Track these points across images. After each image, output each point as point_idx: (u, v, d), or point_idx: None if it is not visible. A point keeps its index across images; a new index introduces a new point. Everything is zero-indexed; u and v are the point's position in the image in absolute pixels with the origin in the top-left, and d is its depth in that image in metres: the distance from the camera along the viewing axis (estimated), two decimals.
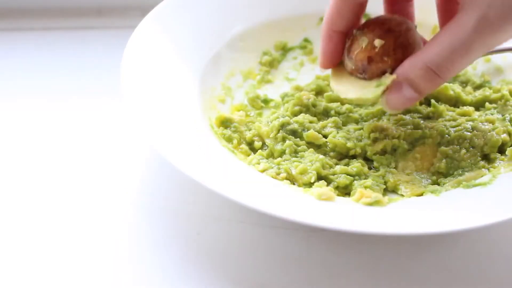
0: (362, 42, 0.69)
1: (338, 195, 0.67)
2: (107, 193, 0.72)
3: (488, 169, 0.69)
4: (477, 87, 0.81)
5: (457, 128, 0.73)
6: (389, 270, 0.65)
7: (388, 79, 0.66)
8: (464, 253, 0.66)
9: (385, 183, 0.69)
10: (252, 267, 0.65)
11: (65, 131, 0.81)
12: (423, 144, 0.72)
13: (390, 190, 0.69)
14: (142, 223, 0.69)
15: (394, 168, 0.71)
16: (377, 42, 0.68)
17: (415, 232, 0.59)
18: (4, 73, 0.90)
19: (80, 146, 0.78)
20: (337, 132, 0.73)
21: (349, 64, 0.70)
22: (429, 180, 0.70)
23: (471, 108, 0.77)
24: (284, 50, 0.89)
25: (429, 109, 0.76)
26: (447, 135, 0.72)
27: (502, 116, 0.75)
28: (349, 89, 0.70)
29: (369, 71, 0.68)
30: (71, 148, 0.78)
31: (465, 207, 0.63)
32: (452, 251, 0.66)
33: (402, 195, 0.68)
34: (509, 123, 0.73)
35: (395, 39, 0.68)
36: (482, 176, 0.68)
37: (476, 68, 0.84)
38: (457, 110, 0.77)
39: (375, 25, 0.69)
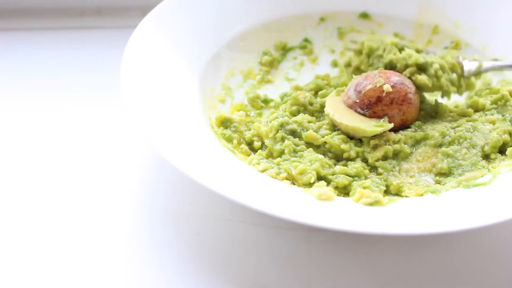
0: (378, 82, 0.72)
1: (337, 195, 0.67)
2: (107, 193, 0.72)
3: (488, 169, 0.69)
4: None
5: (458, 128, 0.73)
6: (388, 270, 0.65)
7: (389, 124, 0.71)
8: (464, 253, 0.66)
9: (388, 186, 0.69)
10: (252, 267, 0.65)
11: (65, 131, 0.81)
12: (424, 146, 0.72)
13: (393, 193, 0.69)
14: (142, 223, 0.69)
15: (397, 172, 0.71)
16: (390, 88, 0.72)
17: (415, 232, 0.59)
18: (4, 73, 0.90)
19: (80, 146, 0.78)
20: (331, 133, 0.73)
21: (352, 97, 0.73)
22: (433, 181, 0.70)
23: (470, 109, 0.77)
24: (284, 50, 0.88)
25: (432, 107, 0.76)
26: (448, 136, 0.72)
27: (503, 116, 0.75)
28: (347, 118, 0.73)
29: (371, 110, 0.72)
30: (71, 148, 0.78)
31: (465, 207, 0.63)
32: (452, 251, 0.66)
33: (407, 196, 0.68)
34: (509, 123, 0.73)
35: (406, 94, 0.72)
36: (482, 176, 0.68)
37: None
38: (458, 110, 0.77)
39: (393, 74, 0.74)
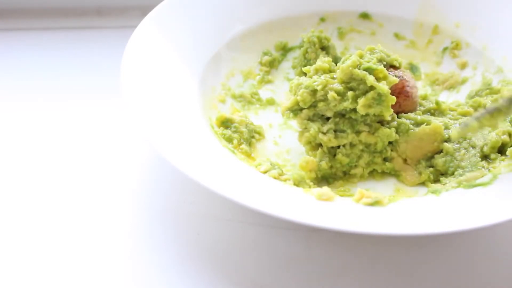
0: None
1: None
2: (107, 193, 0.72)
3: (489, 169, 0.69)
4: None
5: None
6: (389, 270, 0.65)
7: None
8: (464, 253, 0.66)
9: None
10: (252, 267, 0.65)
11: (65, 131, 0.80)
12: None
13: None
14: (142, 223, 0.69)
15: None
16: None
17: (415, 232, 0.59)
18: (4, 73, 0.90)
19: (80, 147, 0.78)
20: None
21: None
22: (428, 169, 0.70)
23: (471, 108, 0.77)
24: (284, 50, 0.88)
25: (432, 105, 0.76)
26: (447, 135, 0.72)
27: None
28: None
29: None
30: (71, 148, 0.78)
31: (465, 207, 0.63)
32: (452, 251, 0.66)
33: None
34: (509, 124, 0.73)
35: (403, 86, 0.73)
36: (482, 176, 0.68)
37: (476, 68, 0.84)
38: (458, 110, 0.77)
39: (390, 67, 0.73)
